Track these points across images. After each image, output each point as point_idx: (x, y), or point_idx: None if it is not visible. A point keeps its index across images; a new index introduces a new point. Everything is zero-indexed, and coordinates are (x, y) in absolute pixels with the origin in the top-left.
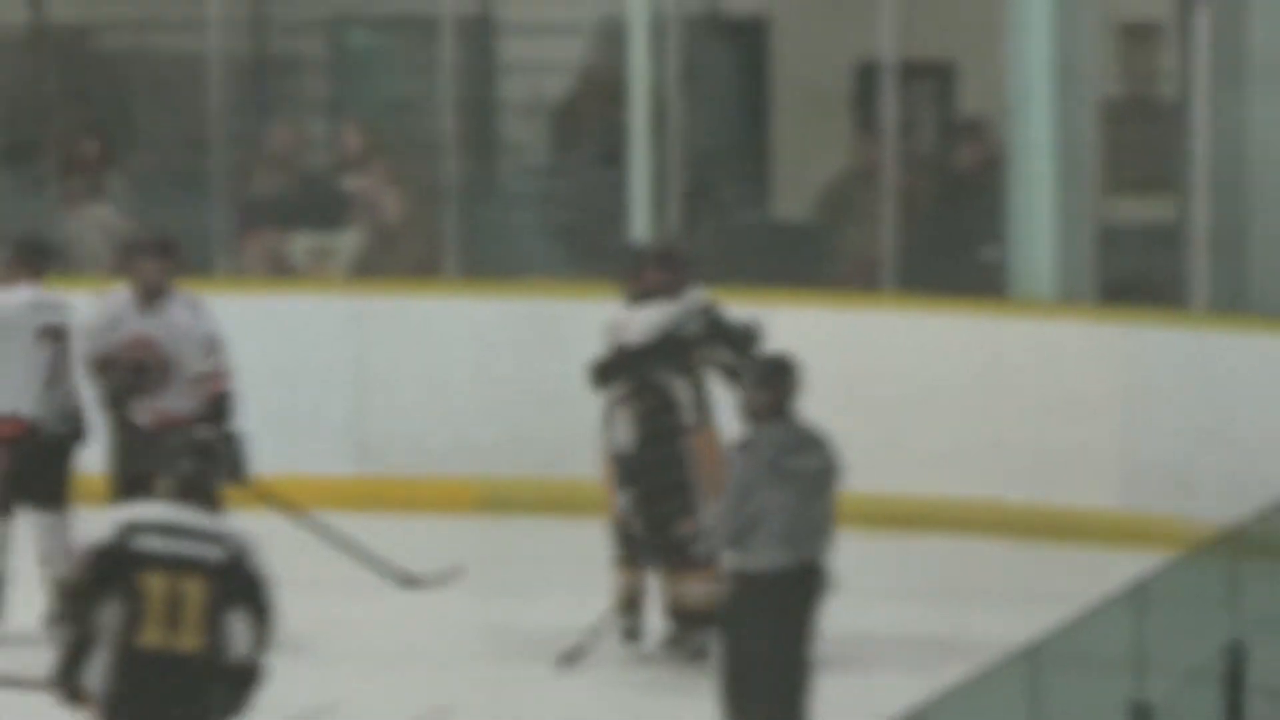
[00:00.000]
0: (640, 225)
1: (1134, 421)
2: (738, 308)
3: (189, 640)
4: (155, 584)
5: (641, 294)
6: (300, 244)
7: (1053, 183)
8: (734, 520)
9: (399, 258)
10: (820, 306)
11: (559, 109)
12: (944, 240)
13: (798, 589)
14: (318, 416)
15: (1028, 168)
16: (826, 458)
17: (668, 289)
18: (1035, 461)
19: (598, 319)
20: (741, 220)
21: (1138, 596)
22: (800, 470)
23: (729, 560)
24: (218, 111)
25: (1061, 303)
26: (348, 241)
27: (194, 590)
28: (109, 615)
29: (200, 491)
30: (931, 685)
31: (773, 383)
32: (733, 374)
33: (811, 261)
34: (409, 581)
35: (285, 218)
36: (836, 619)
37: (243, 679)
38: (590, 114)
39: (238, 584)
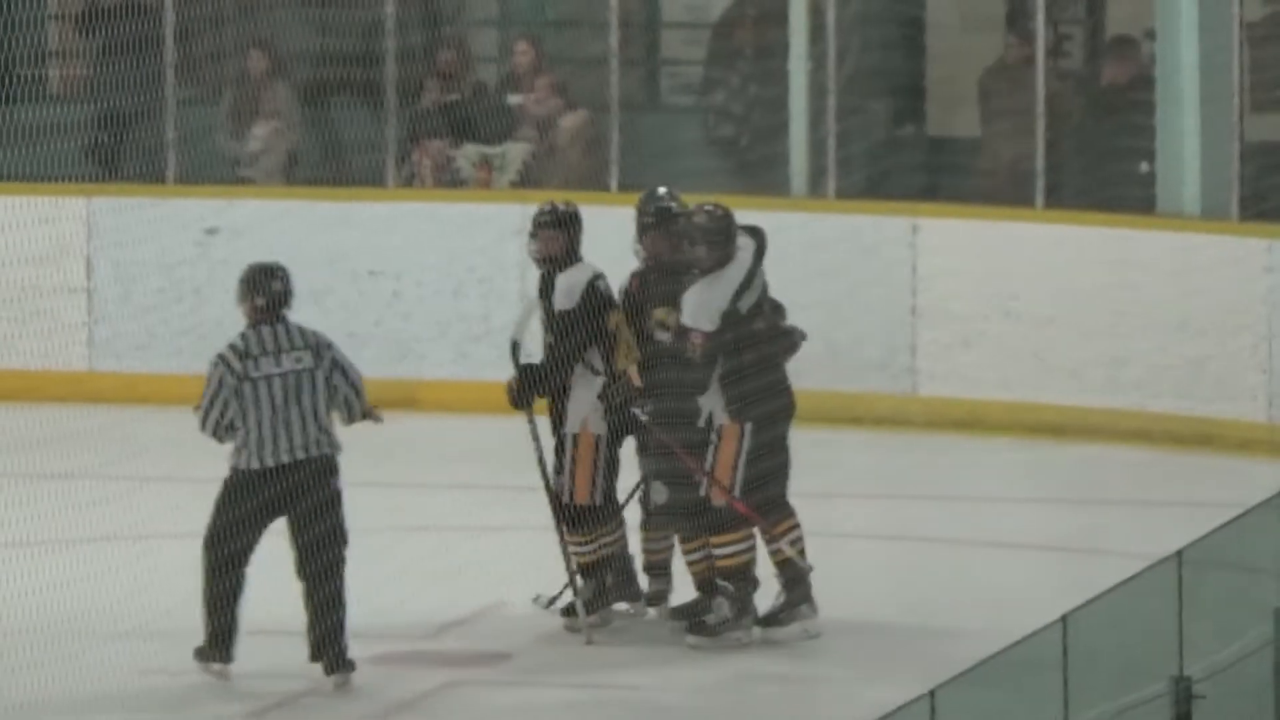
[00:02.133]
0: (798, 139)
1: (1277, 333)
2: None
3: None
4: None
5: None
6: (468, 155)
7: (1198, 101)
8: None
9: (563, 170)
10: (971, 219)
11: (720, 25)
12: (1092, 155)
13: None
14: (485, 323)
15: (1174, 86)
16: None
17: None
18: (1179, 372)
19: None
20: (895, 135)
21: None
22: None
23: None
24: (389, 25)
25: (1205, 217)
26: (514, 153)
27: None
28: None
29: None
30: (1078, 590)
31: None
32: None
33: (963, 175)
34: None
35: (454, 130)
36: (983, 526)
37: None
38: (750, 30)
39: None
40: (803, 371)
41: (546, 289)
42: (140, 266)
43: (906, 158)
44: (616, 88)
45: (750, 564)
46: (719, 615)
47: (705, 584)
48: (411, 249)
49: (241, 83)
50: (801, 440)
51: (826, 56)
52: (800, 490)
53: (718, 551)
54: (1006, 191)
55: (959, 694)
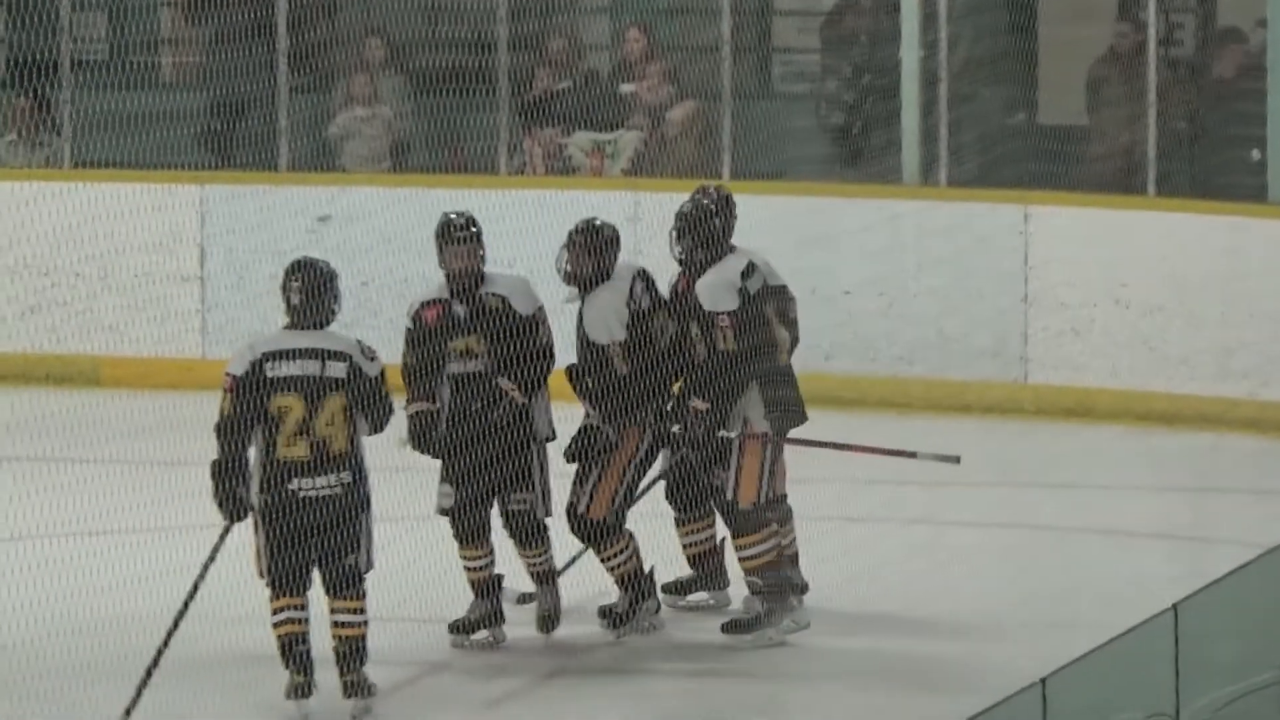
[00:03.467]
0: (910, 127)
1: None
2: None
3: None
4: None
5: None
6: (580, 143)
7: None
8: None
9: (675, 157)
10: (1082, 207)
11: (832, 13)
12: (1203, 143)
13: None
14: None
15: None
16: None
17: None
18: None
19: (865, 218)
20: (1006, 123)
21: None
22: None
23: None
24: (501, 13)
25: None
26: (626, 141)
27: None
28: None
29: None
30: (1190, 579)
31: None
32: None
33: (1075, 163)
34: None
35: (566, 117)
36: (1095, 514)
37: None
38: (862, 18)
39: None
40: (914, 359)
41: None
42: (253, 254)
43: (1018, 146)
44: (728, 75)
45: (777, 562)
46: (752, 612)
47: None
48: (523, 237)
49: (353, 70)
50: (912, 428)
51: (938, 44)
52: (911, 478)
53: (742, 554)
54: (1117, 180)
55: (1071, 682)
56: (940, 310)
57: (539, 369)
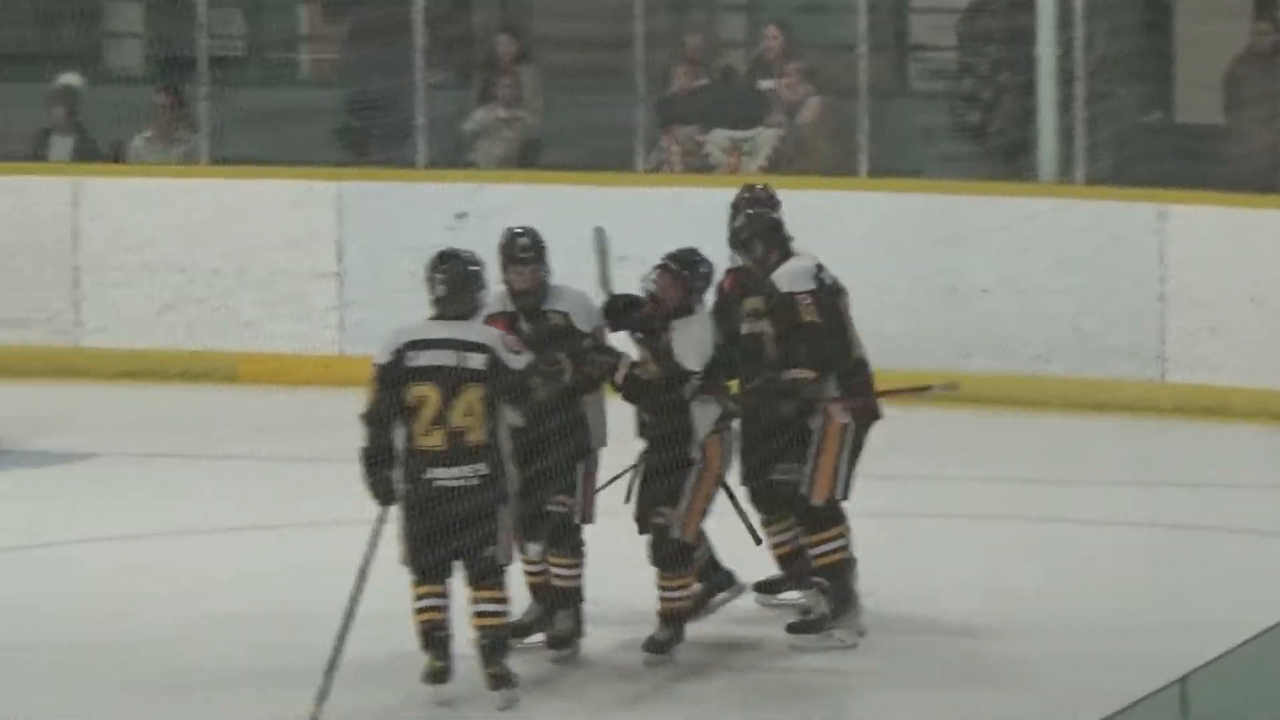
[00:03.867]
0: (1046, 125)
1: None
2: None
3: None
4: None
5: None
6: (717, 141)
7: None
8: None
9: (812, 155)
10: (1219, 206)
11: (968, 11)
12: None
13: None
14: None
15: None
16: None
17: None
18: None
19: (1002, 217)
20: (1142, 121)
21: None
22: None
23: None
24: (638, 10)
25: None
26: (763, 139)
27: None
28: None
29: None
30: None
31: None
32: None
33: (1211, 162)
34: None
35: (703, 115)
36: (1232, 513)
37: None
38: (998, 16)
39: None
40: (1051, 358)
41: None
42: (390, 251)
43: (1154, 144)
44: (865, 73)
45: (846, 561)
46: (818, 612)
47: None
48: (660, 234)
49: (490, 67)
50: (1049, 426)
51: (1074, 42)
52: (1047, 476)
53: (814, 550)
54: (1255, 179)
55: (1209, 682)
56: (1077, 309)
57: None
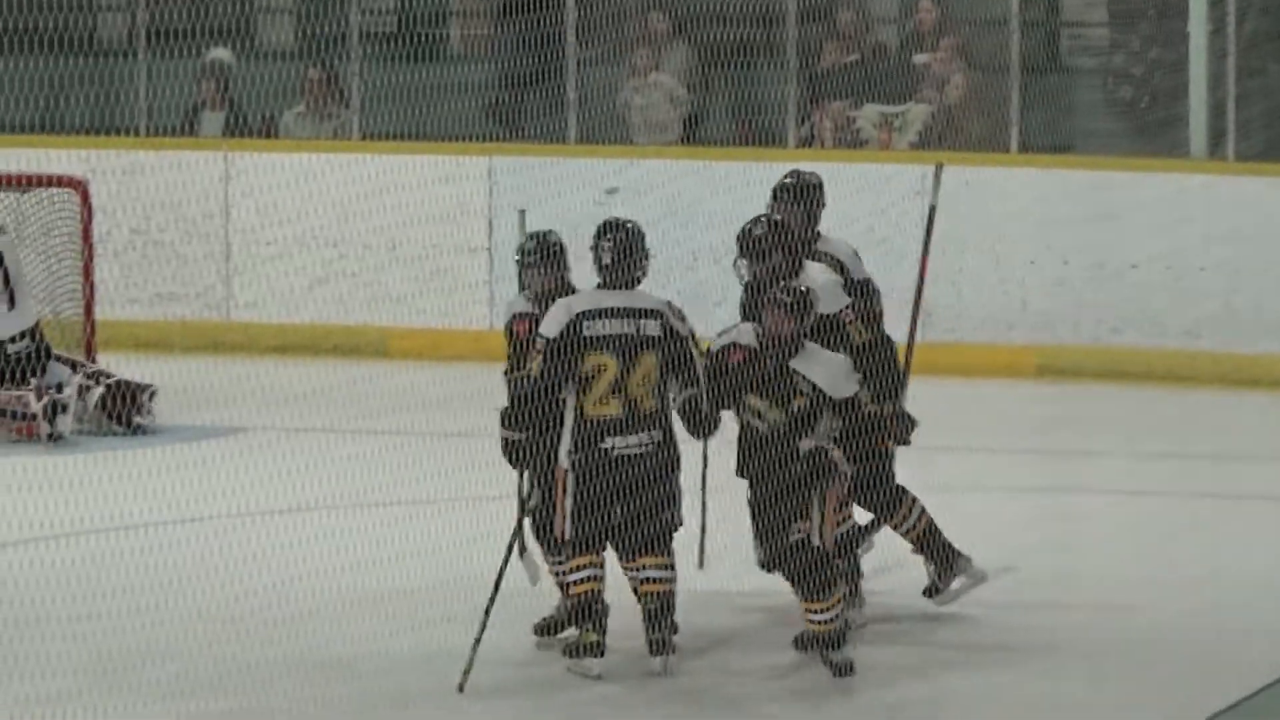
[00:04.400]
0: (1197, 102)
1: None
2: None
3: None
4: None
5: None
6: (869, 116)
7: None
8: None
9: (964, 130)
10: None
11: None
12: None
13: None
14: (886, 283)
15: None
16: None
17: None
18: None
19: (1153, 192)
20: None
21: None
22: None
23: None
24: None
25: None
26: (915, 114)
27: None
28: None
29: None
30: None
31: None
32: None
33: None
34: None
35: (855, 90)
36: None
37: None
38: None
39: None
40: (1201, 333)
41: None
42: (541, 226)
43: None
44: (1017, 49)
45: (931, 526)
46: (931, 578)
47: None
48: None
49: (640, 42)
50: (1199, 402)
51: (1227, 18)
52: (1196, 452)
53: (903, 529)
54: None
55: None
56: (1227, 284)
57: None
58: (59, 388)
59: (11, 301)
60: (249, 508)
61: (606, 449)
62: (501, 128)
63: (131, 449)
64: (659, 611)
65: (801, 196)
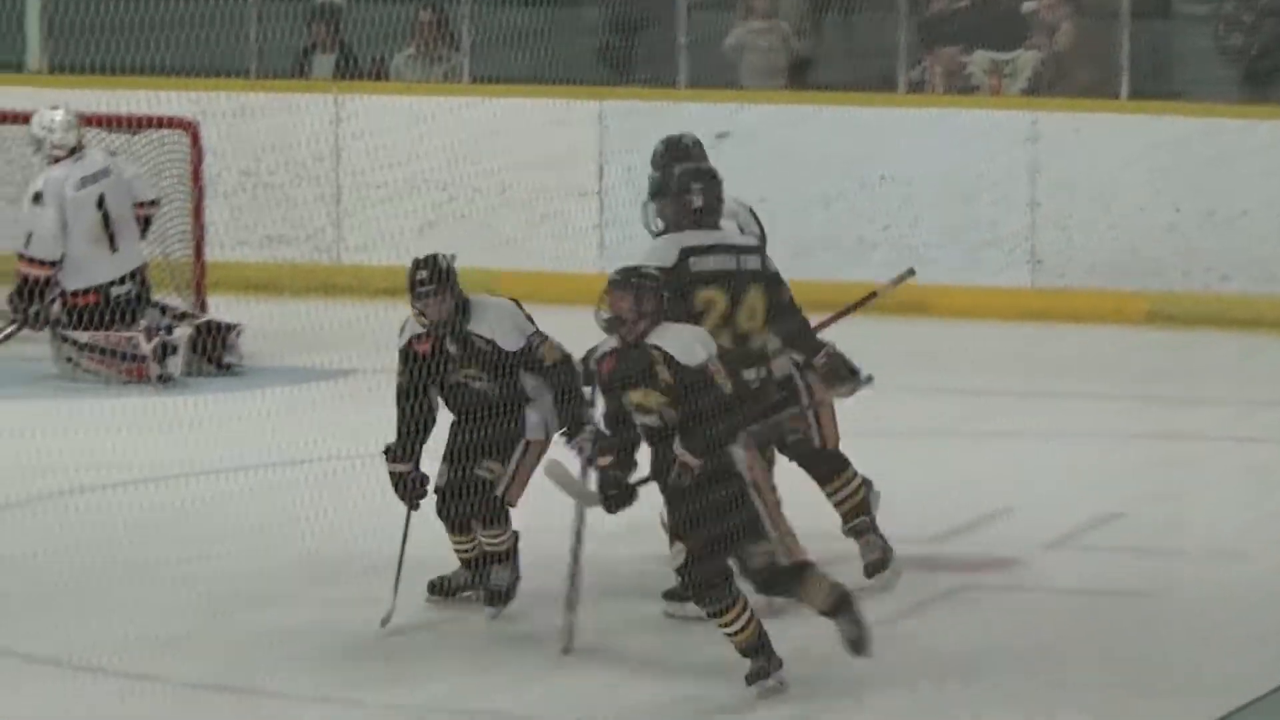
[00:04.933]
0: None
1: None
2: None
3: None
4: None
5: None
6: (979, 62)
7: None
8: None
9: (1073, 77)
10: None
11: None
12: None
13: None
14: (994, 229)
15: None
16: None
17: None
18: None
19: (1263, 139)
20: None
21: None
22: None
23: None
24: None
25: None
26: (1025, 61)
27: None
28: None
29: None
30: None
31: None
32: None
33: None
34: None
35: (966, 35)
36: None
37: None
38: None
39: None
40: None
41: None
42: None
43: None
44: None
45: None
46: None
47: None
48: (921, 155)
49: None
50: None
51: None
52: None
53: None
54: None
55: None
56: None
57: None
58: (168, 329)
59: (114, 244)
60: (359, 451)
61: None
62: (612, 72)
63: (240, 391)
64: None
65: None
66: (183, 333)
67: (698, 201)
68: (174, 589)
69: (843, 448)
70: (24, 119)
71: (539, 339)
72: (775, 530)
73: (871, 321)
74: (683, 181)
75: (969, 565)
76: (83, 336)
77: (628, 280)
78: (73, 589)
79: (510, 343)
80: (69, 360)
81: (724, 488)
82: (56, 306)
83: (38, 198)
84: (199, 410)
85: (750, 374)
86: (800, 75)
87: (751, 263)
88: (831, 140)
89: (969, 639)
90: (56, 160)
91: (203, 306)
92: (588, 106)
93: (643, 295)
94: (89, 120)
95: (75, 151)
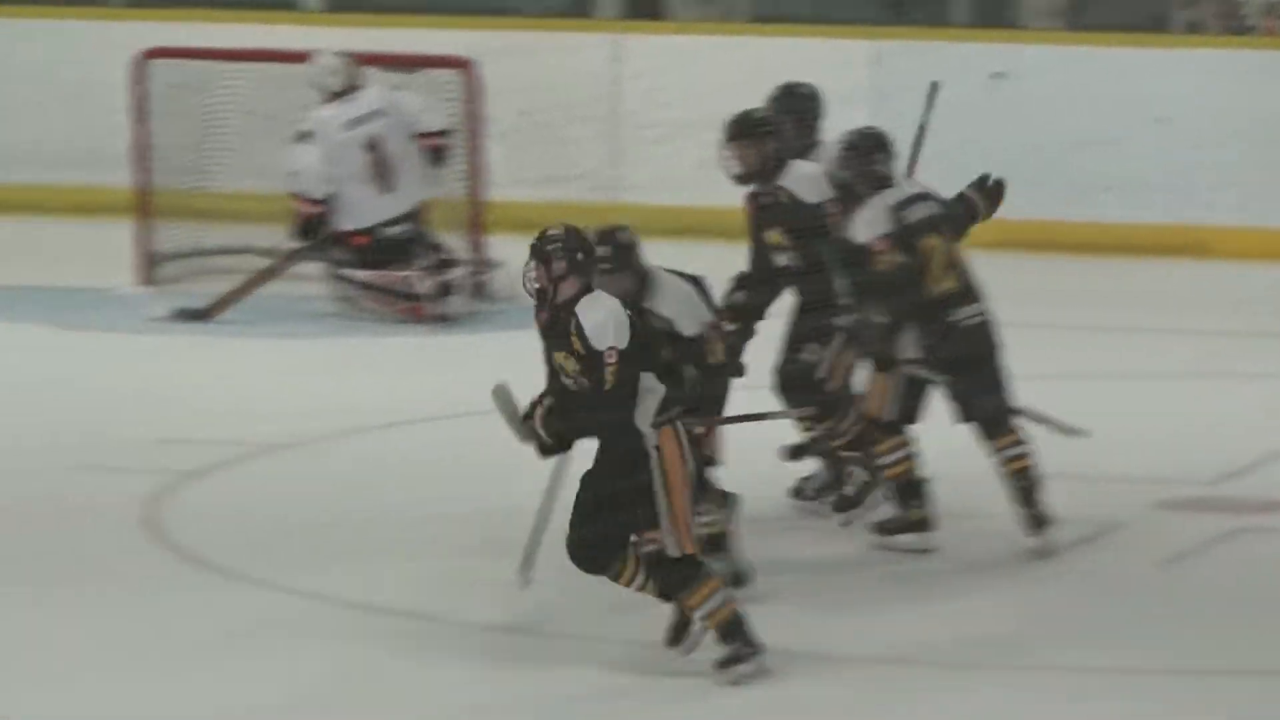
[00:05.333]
0: None
1: None
2: None
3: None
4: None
5: None
6: (1254, 4)
7: None
8: None
9: None
10: None
11: None
12: None
13: None
14: (1273, 172)
15: None
16: None
17: None
18: None
19: None
20: None
21: None
22: None
23: None
24: None
25: None
26: None
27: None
28: None
29: None
30: None
31: None
32: None
33: None
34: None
35: None
36: None
37: None
38: None
39: None
40: None
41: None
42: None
43: None
44: None
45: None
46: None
47: None
48: (1198, 96)
49: None
50: None
51: None
52: None
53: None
54: None
55: None
56: None
57: None
58: (445, 268)
59: (387, 185)
60: None
61: (954, 321)
62: (889, 11)
63: (516, 331)
64: (1028, 488)
65: (795, 106)
66: (461, 273)
67: (883, 169)
68: (465, 528)
69: (1111, 391)
70: (300, 58)
71: (715, 333)
72: (671, 521)
73: (1149, 264)
74: (864, 151)
75: (1241, 507)
76: (359, 275)
77: (538, 247)
78: (364, 529)
79: (687, 327)
80: (345, 299)
81: (635, 470)
82: (331, 245)
83: (305, 136)
84: (474, 350)
85: (975, 309)
86: (1079, 15)
87: (939, 208)
88: (1108, 81)
89: (1245, 581)
90: (333, 99)
91: (480, 246)
92: (862, 46)
93: (550, 260)
94: (364, 60)
95: (349, 92)
